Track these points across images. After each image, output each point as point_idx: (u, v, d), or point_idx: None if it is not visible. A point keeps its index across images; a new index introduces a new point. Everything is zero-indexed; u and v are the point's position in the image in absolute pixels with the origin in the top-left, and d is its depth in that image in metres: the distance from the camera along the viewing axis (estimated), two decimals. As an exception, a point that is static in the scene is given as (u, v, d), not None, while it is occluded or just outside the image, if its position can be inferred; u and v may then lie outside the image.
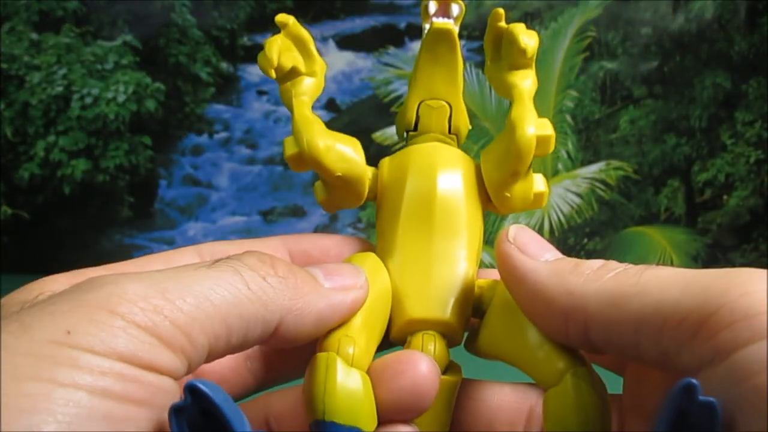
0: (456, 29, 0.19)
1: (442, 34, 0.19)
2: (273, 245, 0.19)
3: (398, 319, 0.18)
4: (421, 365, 0.16)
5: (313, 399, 0.15)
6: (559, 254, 0.16)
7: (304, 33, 0.19)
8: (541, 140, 0.18)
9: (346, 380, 0.15)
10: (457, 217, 0.19)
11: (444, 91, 0.19)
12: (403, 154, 0.20)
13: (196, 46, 1.22)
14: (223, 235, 1.02)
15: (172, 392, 0.13)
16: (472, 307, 0.19)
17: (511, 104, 0.19)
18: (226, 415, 0.12)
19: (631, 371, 0.17)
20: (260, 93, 1.28)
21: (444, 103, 0.19)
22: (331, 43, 1.09)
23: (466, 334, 0.19)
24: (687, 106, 1.15)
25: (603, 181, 1.08)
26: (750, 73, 1.18)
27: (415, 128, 0.20)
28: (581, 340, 0.15)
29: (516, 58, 0.19)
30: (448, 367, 0.18)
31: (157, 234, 1.01)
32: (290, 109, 0.18)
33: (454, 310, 0.18)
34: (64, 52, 1.17)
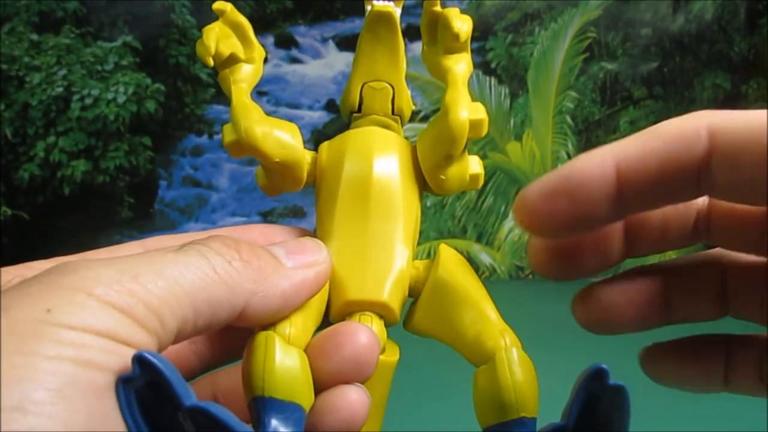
0: (397, 11, 0.19)
1: (382, 17, 0.19)
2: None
3: (336, 301, 0.18)
4: (361, 335, 0.16)
5: (252, 376, 0.15)
6: None
7: (242, 20, 0.19)
8: (474, 124, 0.18)
9: (284, 358, 0.16)
10: (393, 200, 0.19)
11: (386, 72, 0.20)
12: (341, 138, 0.20)
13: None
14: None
15: None
16: (409, 287, 0.19)
17: (445, 88, 0.19)
18: (173, 385, 0.13)
19: None
20: (260, 94, 1.28)
21: (386, 85, 0.20)
22: (331, 44, 1.09)
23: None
24: (687, 106, 1.15)
25: (603, 182, 1.07)
26: (750, 74, 1.18)
27: (360, 110, 0.20)
28: None
29: (450, 42, 0.19)
30: (385, 348, 0.19)
31: (157, 235, 1.01)
32: (229, 96, 0.18)
33: (390, 292, 0.18)
34: (64, 52, 1.17)
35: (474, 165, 0.20)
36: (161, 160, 1.25)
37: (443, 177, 0.19)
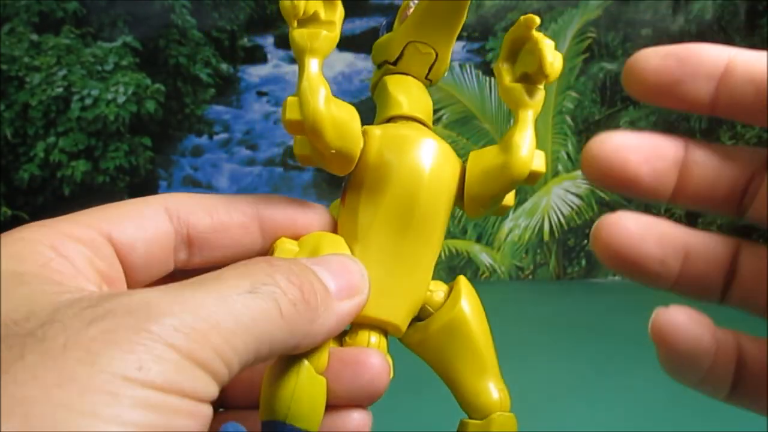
0: None
1: None
2: (245, 210, 0.18)
3: None
4: (377, 364, 0.17)
5: (278, 400, 0.16)
6: None
7: None
8: (534, 174, 0.18)
9: (313, 390, 0.16)
10: (433, 226, 0.18)
11: (438, 40, 0.19)
12: (395, 134, 0.19)
13: (196, 47, 1.22)
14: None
15: (210, 418, 0.14)
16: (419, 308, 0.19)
17: (514, 121, 0.18)
18: None
19: None
20: (260, 94, 1.28)
21: (432, 51, 0.19)
22: (331, 44, 1.08)
23: None
24: (687, 107, 1.14)
25: (603, 182, 1.07)
26: (750, 74, 1.18)
27: (395, 64, 0.19)
28: None
29: (536, 74, 0.18)
30: None
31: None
32: (300, 65, 0.17)
33: (406, 315, 0.18)
34: (64, 53, 1.18)
35: (509, 198, 0.19)
36: (161, 161, 1.25)
37: (482, 209, 0.19)
